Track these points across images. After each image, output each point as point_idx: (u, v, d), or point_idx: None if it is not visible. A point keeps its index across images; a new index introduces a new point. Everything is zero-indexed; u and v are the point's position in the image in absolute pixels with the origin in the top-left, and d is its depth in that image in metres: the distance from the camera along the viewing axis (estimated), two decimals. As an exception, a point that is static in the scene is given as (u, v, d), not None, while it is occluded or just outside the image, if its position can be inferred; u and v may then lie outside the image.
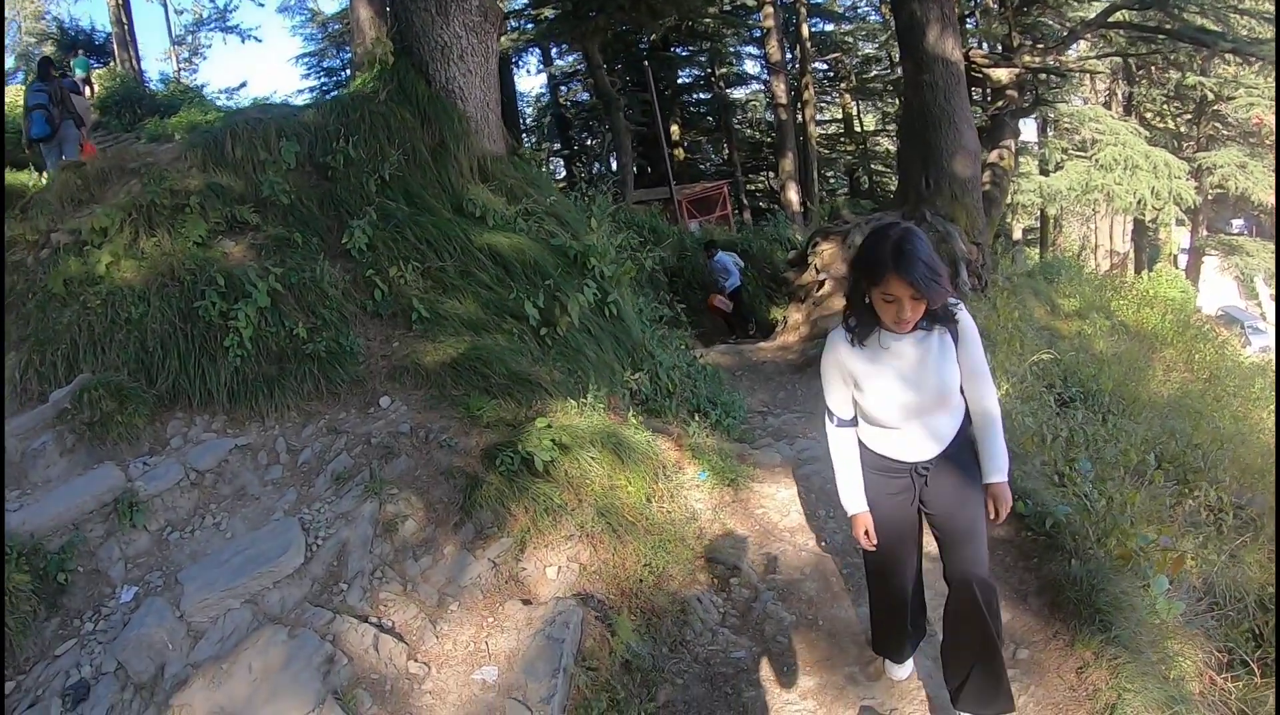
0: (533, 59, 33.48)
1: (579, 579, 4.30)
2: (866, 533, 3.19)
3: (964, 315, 2.90)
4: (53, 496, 4.55)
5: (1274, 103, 19.41)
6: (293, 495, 4.67)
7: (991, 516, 3.12)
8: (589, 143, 35.83)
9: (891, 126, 35.18)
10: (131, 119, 11.30)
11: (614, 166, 29.23)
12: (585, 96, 35.37)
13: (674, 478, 5.34)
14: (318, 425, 5.13)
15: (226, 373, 5.19)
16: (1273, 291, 25.24)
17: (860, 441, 3.20)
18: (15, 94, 12.04)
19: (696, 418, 6.38)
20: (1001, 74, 15.05)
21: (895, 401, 2.95)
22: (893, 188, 32.67)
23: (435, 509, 4.51)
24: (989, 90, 17.15)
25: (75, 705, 3.61)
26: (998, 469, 3.08)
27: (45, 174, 7.87)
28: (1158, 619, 3.95)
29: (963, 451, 3.12)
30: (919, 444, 3.06)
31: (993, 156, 14.27)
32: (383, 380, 5.40)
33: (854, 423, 3.15)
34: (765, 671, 4.03)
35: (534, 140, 35.26)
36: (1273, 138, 21.07)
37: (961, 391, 3.06)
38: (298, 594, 4.06)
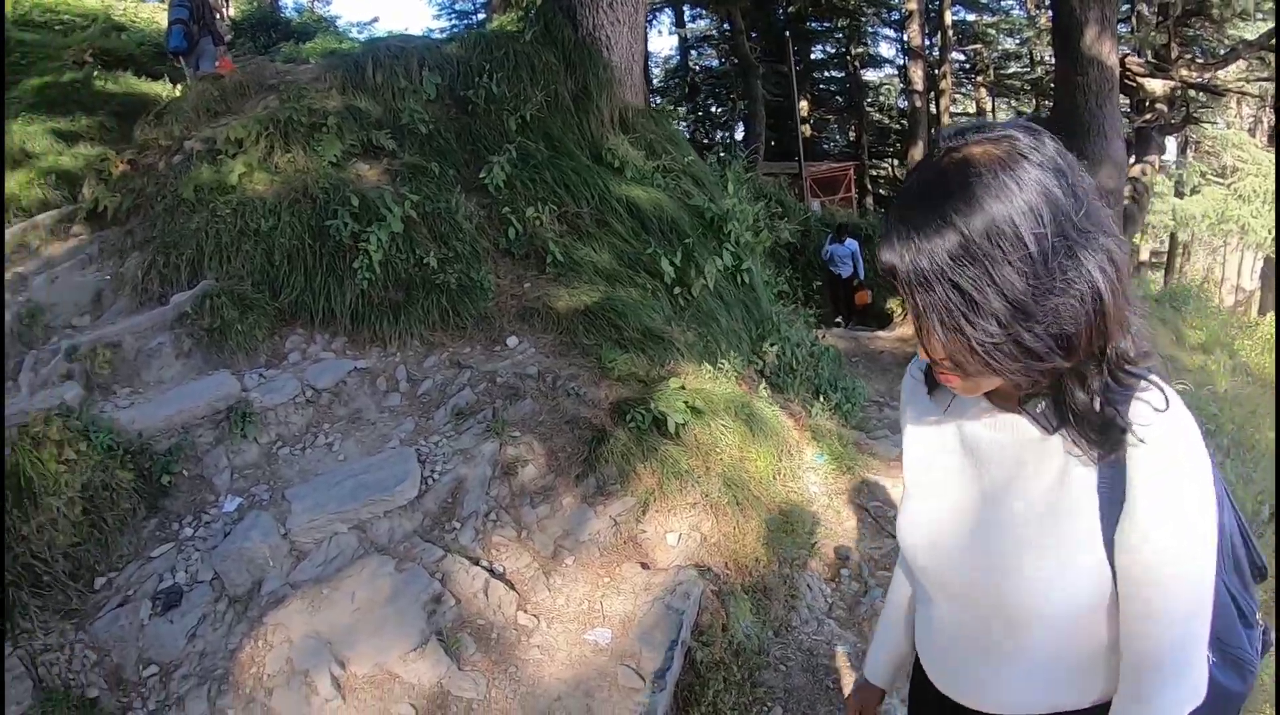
0: (665, 20, 33.51)
1: (699, 549, 4.16)
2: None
3: (1161, 436, 1.16)
4: (165, 398, 4.57)
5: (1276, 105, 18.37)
6: (410, 425, 4.61)
7: None
8: (714, 110, 35.78)
9: (1026, 128, 34.41)
10: (266, 42, 11.63)
11: (739, 135, 29.11)
12: (714, 63, 35.33)
13: (795, 457, 5.19)
14: (440, 357, 5.08)
15: (352, 294, 5.18)
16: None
17: None
18: (155, 11, 12.57)
19: (820, 399, 6.24)
20: (1156, 85, 14.60)
21: (933, 530, 1.44)
22: (1019, 192, 32.09)
23: (557, 458, 4.41)
24: (1138, 101, 16.59)
25: (166, 610, 3.60)
26: None
27: (180, 86, 8.06)
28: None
29: None
30: (962, 667, 1.47)
31: (1135, 171, 13.87)
32: (511, 319, 5.34)
33: None
34: (869, 670, 3.88)
35: (660, 102, 35.36)
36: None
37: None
38: (408, 526, 3.99)
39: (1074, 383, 1.17)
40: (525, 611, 3.72)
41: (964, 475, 1.38)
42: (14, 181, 6.50)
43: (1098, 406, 1.18)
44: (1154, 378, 1.19)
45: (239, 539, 3.81)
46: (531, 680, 3.42)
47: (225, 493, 4.17)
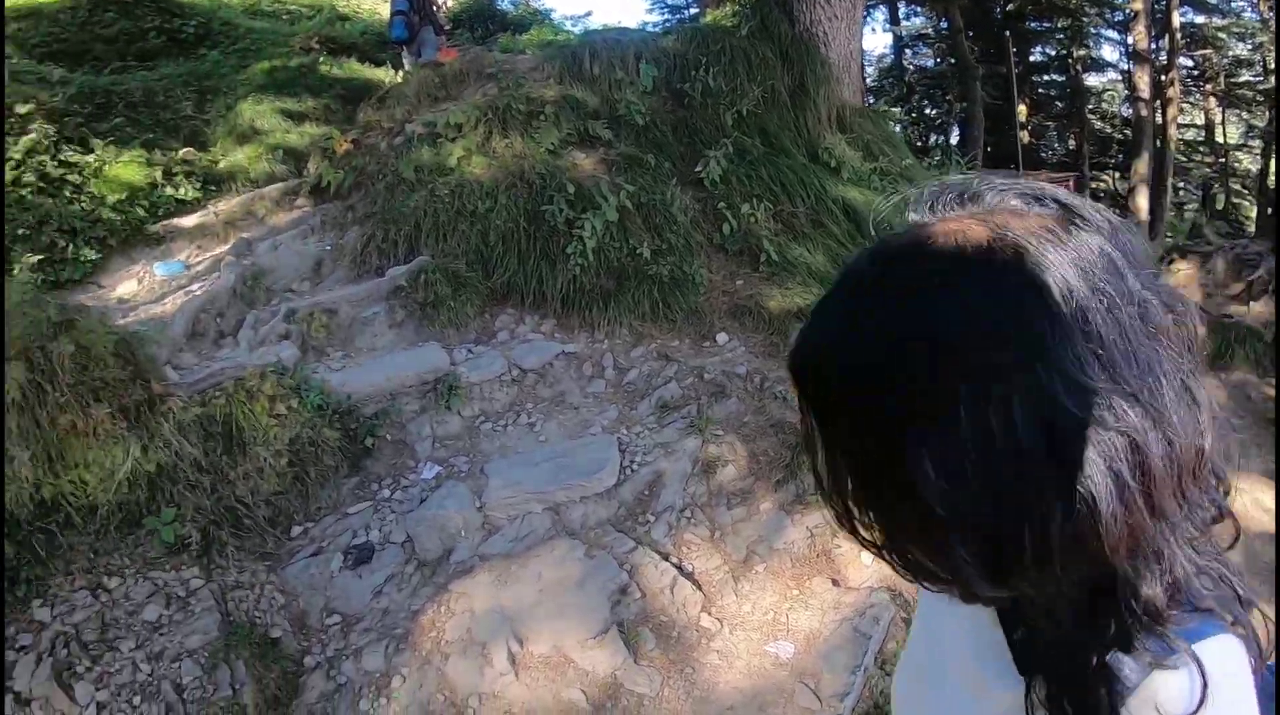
0: (879, 16, 32.80)
1: (892, 572, 3.98)
2: None
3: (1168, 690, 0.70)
4: (375, 364, 4.83)
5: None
6: (613, 413, 4.68)
7: None
8: (929, 112, 34.71)
9: (1257, 143, 31.56)
10: (483, 34, 12.18)
11: (953, 140, 28.17)
12: (930, 63, 34.34)
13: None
14: (648, 348, 5.14)
15: (563, 279, 5.34)
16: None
17: None
18: (376, 2, 13.44)
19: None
20: (1397, 99, 13.19)
21: (900, 696, 1.15)
22: (1249, 213, 29.42)
23: (759, 460, 4.34)
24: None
25: (356, 565, 3.78)
26: None
27: (401, 73, 8.52)
28: None
29: None
30: None
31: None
32: (722, 316, 5.37)
33: None
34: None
35: (874, 102, 34.63)
36: None
37: None
38: (602, 514, 4.03)
39: (1042, 619, 0.76)
40: (709, 614, 3.67)
41: (943, 659, 0.99)
42: (243, 155, 7.06)
43: (1092, 663, 0.73)
44: (1194, 650, 0.71)
45: (434, 506, 3.97)
46: (706, 685, 3.38)
47: (425, 460, 4.35)
